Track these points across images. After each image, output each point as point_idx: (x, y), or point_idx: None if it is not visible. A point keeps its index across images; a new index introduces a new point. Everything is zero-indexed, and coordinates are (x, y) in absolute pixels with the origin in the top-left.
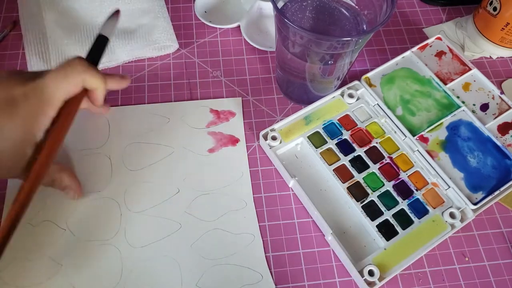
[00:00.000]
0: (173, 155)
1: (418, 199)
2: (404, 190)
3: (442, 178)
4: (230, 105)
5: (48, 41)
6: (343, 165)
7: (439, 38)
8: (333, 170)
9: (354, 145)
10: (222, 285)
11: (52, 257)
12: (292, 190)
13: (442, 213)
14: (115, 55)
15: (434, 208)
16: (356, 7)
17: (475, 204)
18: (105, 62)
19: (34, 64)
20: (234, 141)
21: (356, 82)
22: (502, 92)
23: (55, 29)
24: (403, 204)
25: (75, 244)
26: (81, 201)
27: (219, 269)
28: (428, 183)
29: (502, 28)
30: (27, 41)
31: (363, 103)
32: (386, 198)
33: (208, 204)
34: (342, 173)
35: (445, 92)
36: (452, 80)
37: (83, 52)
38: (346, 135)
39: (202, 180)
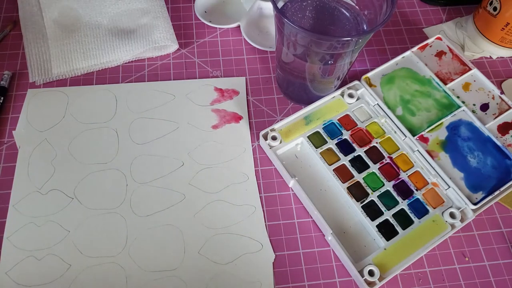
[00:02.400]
0: (178, 130)
1: (418, 199)
2: (404, 190)
3: (442, 178)
4: (234, 84)
5: (48, 41)
6: (343, 165)
7: (439, 38)
8: (333, 170)
9: (354, 145)
10: (224, 253)
11: (59, 224)
12: (292, 190)
13: (442, 213)
14: (115, 55)
15: (434, 208)
16: (356, 7)
17: (475, 204)
18: (105, 62)
19: (34, 64)
20: (237, 118)
21: (356, 82)
22: (502, 92)
23: (55, 29)
24: (403, 204)
25: (82, 212)
26: (88, 171)
27: (221, 238)
28: (428, 183)
29: (502, 28)
30: (27, 41)
31: (363, 103)
32: (386, 198)
33: (212, 177)
34: (342, 173)
35: (445, 92)
36: (452, 80)
37: (83, 52)
38: (346, 135)
39: (206, 154)
